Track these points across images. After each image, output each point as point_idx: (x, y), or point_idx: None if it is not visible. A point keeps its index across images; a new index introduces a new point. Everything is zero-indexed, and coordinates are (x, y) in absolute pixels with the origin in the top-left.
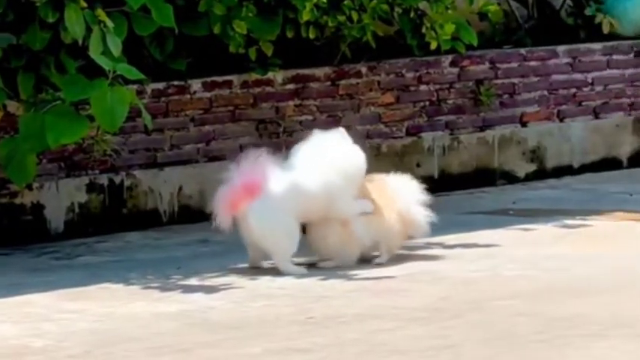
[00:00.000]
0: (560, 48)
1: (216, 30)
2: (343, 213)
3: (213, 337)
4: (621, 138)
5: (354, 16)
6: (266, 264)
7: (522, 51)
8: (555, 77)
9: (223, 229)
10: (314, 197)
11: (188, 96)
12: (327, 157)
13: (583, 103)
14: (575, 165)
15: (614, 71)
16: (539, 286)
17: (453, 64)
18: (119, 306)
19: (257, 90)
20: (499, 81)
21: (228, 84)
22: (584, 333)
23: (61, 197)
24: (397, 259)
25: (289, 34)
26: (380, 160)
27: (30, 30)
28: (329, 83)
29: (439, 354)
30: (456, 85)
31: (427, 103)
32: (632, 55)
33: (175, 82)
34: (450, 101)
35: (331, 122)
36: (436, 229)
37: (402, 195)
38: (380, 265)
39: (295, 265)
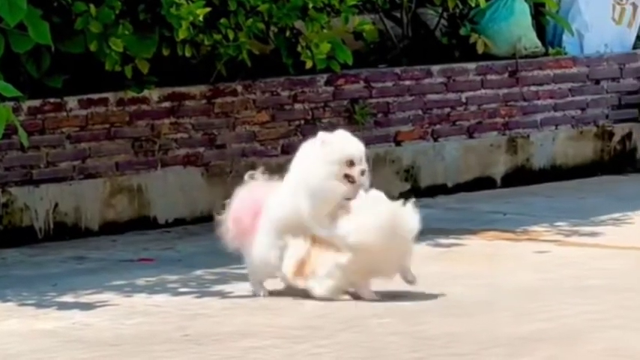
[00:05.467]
0: (435, 67)
1: (93, 47)
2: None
3: (90, 354)
4: (495, 157)
5: (230, 34)
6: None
7: (397, 70)
8: (430, 97)
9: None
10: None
11: (64, 113)
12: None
13: (457, 123)
14: (450, 184)
15: (489, 91)
16: (413, 305)
17: (327, 83)
18: None
19: (133, 108)
20: (374, 100)
21: (104, 102)
22: (459, 352)
23: None
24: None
25: (165, 52)
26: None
27: None
28: (204, 101)
29: None
30: (330, 103)
31: (302, 121)
32: (506, 75)
33: (51, 100)
34: (325, 120)
35: (206, 140)
36: None
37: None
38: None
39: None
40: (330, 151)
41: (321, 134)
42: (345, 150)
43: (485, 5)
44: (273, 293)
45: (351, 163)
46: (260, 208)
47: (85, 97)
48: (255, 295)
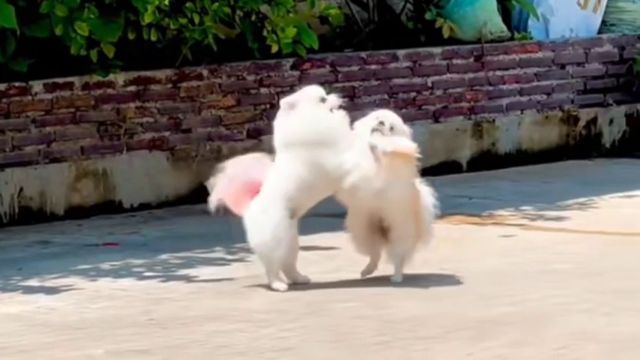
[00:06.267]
0: (401, 52)
1: (58, 31)
2: (345, 170)
3: (55, 338)
4: (461, 142)
5: (196, 18)
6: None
7: (363, 54)
8: (395, 81)
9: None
10: (310, 182)
11: (29, 97)
12: (297, 134)
13: (423, 107)
14: None
15: (454, 75)
16: (379, 289)
17: (293, 67)
18: None
19: (98, 92)
20: (340, 84)
21: (70, 85)
22: (426, 335)
23: None
24: (238, 260)
25: (131, 36)
26: (221, 163)
27: None
28: (170, 85)
29: (279, 356)
30: (296, 88)
31: (268, 105)
32: (471, 60)
33: (17, 84)
34: None
35: (172, 124)
36: None
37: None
38: (396, 284)
39: (279, 280)
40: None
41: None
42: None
43: None
44: (238, 277)
45: None
46: (254, 185)
47: (50, 81)
48: (275, 289)
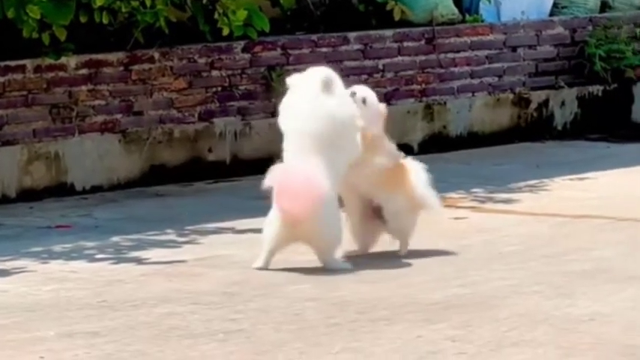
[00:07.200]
0: (352, 34)
1: (10, 14)
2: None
3: (6, 320)
4: (412, 124)
5: (147, 1)
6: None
7: (314, 37)
8: (347, 63)
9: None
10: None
11: None
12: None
13: (374, 90)
14: None
15: (405, 58)
16: (329, 272)
17: (245, 50)
18: None
19: (50, 75)
20: (291, 67)
21: (22, 68)
22: (376, 317)
23: None
24: (190, 243)
25: (83, 19)
26: (172, 145)
27: None
28: (122, 68)
29: (230, 338)
30: (247, 70)
31: (219, 88)
32: (423, 42)
33: None
34: (242, 87)
35: (124, 107)
36: (227, 213)
37: (416, 177)
38: (401, 257)
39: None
40: None
41: None
42: None
43: None
44: (189, 260)
45: None
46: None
47: (2, 64)
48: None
